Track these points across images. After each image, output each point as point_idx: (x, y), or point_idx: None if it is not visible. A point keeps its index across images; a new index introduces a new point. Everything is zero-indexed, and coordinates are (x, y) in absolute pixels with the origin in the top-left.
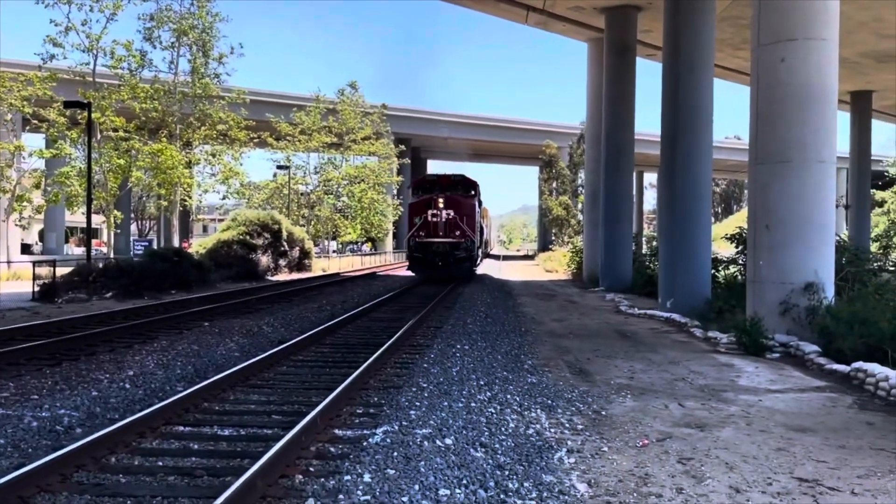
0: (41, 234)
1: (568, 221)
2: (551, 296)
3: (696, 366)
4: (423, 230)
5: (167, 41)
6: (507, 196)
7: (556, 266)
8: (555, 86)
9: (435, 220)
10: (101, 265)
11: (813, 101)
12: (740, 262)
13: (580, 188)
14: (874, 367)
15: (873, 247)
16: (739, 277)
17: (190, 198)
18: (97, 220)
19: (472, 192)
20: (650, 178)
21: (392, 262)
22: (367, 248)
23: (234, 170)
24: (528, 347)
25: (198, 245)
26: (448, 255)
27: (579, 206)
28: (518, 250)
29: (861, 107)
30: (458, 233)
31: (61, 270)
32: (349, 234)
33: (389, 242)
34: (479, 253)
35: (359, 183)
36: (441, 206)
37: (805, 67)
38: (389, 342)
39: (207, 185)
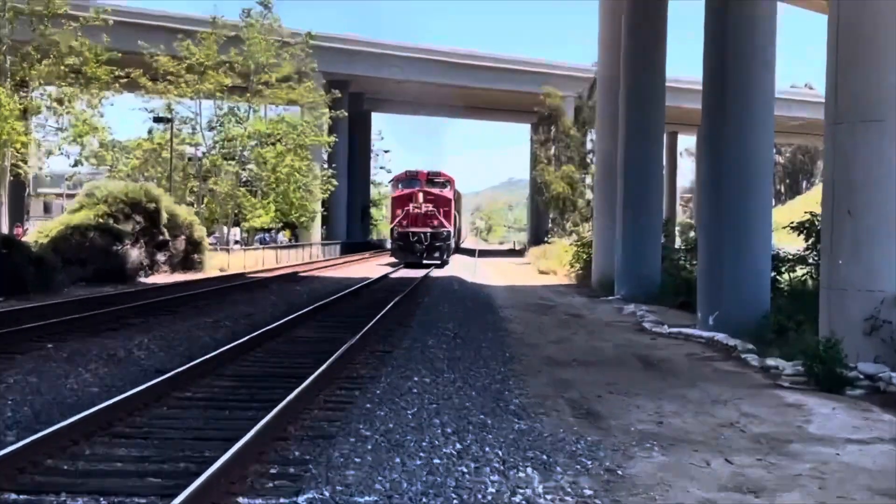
0: None
1: (573, 202)
2: (548, 307)
3: (750, 406)
4: (405, 220)
5: None
6: (486, 166)
7: (554, 265)
8: (557, 10)
9: (416, 211)
10: None
11: None
12: (811, 261)
13: (590, 155)
14: None
15: None
16: (810, 283)
17: (25, 163)
18: None
19: (449, 187)
20: (686, 142)
21: (322, 260)
22: (283, 237)
23: (91, 123)
24: (516, 380)
25: (37, 232)
26: (428, 243)
27: (588, 180)
28: (501, 243)
29: None
30: (436, 223)
31: None
32: (258, 217)
33: (317, 231)
34: (453, 242)
35: (273, 145)
36: (421, 199)
37: None
38: (317, 373)
39: (51, 144)
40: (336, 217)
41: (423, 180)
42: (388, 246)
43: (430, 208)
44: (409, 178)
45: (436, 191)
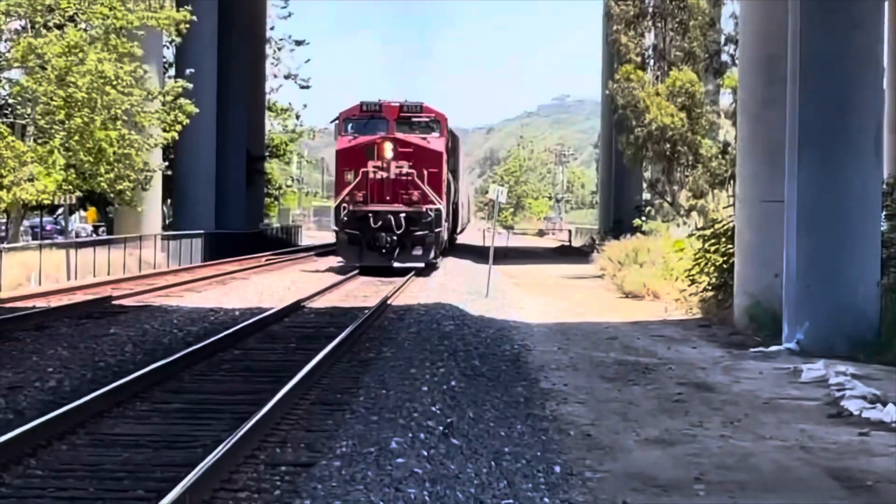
0: None
1: (693, 148)
2: (643, 369)
3: None
4: (359, 192)
5: None
6: (509, 76)
7: (653, 281)
8: None
9: (381, 176)
10: None
11: None
12: None
13: (728, 48)
14: None
15: None
16: None
17: None
18: None
19: (437, 131)
20: None
21: (165, 271)
22: (83, 224)
23: None
24: None
25: None
26: (400, 233)
27: (725, 101)
28: (542, 232)
29: None
30: (415, 196)
31: None
32: (31, 182)
33: (155, 210)
34: (445, 229)
35: (59, 28)
36: (389, 154)
37: None
38: None
39: None
40: (193, 182)
41: (391, 120)
42: (307, 240)
43: (406, 170)
44: (367, 118)
45: (415, 138)
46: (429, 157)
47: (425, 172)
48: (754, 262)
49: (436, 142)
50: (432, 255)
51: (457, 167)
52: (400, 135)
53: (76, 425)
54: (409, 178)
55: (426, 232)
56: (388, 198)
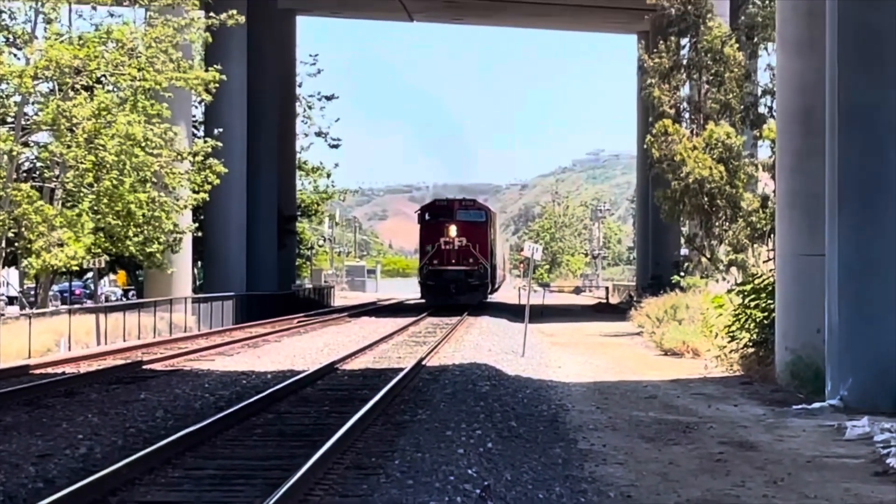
0: None
1: (731, 200)
2: (683, 428)
3: None
4: (436, 258)
5: None
6: (547, 132)
7: (692, 338)
8: None
9: (448, 247)
10: None
11: None
12: None
13: (765, 101)
14: None
15: None
16: None
17: None
18: None
19: (485, 218)
20: None
21: (196, 334)
22: (114, 287)
23: None
24: None
25: None
26: (461, 283)
27: (763, 154)
28: (579, 289)
29: None
30: (471, 260)
31: None
32: (60, 247)
33: (185, 272)
34: (489, 280)
35: (88, 89)
36: (453, 233)
37: None
38: None
39: None
40: (224, 243)
41: (454, 209)
42: (340, 301)
43: (465, 243)
44: (437, 209)
45: (469, 222)
46: (478, 234)
47: (476, 244)
48: (795, 318)
49: (482, 223)
50: (481, 296)
51: (495, 237)
52: (460, 220)
53: (107, 493)
54: (467, 248)
55: (478, 282)
56: (453, 261)
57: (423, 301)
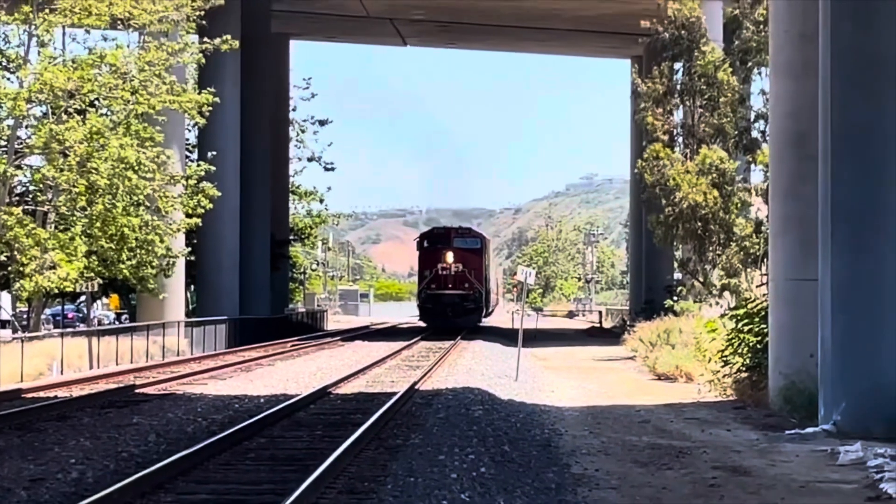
0: None
1: (724, 225)
2: (676, 453)
3: None
4: (433, 283)
5: None
6: (538, 156)
7: (686, 362)
8: None
9: (444, 273)
10: None
11: None
12: None
13: (758, 125)
14: None
15: None
16: None
17: None
18: None
19: (479, 246)
20: None
21: (189, 358)
22: (107, 310)
23: None
24: None
25: None
26: (458, 307)
27: (756, 178)
28: (573, 314)
29: None
30: (466, 285)
31: None
32: (52, 270)
33: (178, 296)
34: (483, 304)
35: (81, 113)
36: (450, 260)
37: None
38: None
39: None
40: (217, 267)
41: (451, 237)
42: (333, 325)
43: (461, 269)
44: (435, 237)
45: (465, 249)
46: (473, 260)
47: (472, 270)
48: (789, 342)
49: (477, 250)
50: (476, 319)
51: (488, 263)
52: (456, 247)
53: None
54: (463, 273)
55: (473, 306)
56: (450, 286)
57: (416, 325)
